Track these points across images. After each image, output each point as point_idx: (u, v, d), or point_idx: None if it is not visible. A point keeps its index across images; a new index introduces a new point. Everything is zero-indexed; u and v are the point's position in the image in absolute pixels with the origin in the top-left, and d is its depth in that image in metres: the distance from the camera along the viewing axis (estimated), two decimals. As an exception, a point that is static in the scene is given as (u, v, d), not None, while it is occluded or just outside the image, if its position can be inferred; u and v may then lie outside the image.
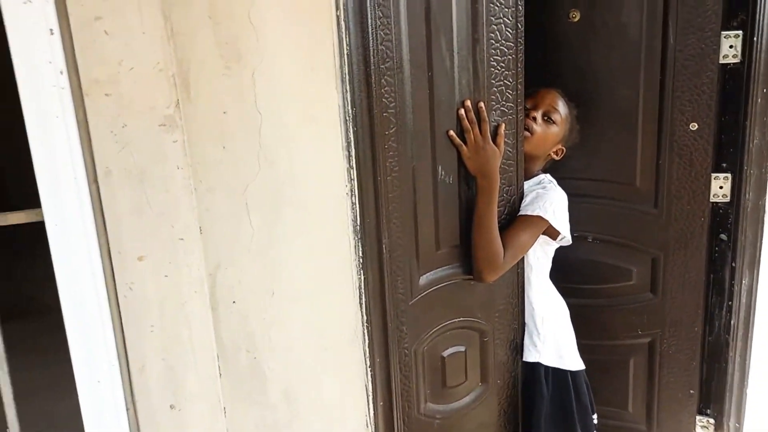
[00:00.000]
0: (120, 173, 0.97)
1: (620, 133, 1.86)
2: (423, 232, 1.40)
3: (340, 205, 1.21)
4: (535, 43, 1.70)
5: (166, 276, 1.03)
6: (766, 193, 1.87)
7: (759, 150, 1.82)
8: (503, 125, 1.41)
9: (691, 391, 2.08)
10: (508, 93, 1.41)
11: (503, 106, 1.42)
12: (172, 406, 1.10)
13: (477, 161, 1.38)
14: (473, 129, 1.36)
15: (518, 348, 1.62)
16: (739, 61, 1.77)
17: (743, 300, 1.95)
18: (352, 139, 1.19)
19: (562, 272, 1.79)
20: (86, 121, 0.94)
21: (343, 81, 1.16)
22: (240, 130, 1.07)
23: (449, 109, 1.36)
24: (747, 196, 1.86)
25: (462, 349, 1.53)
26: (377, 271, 1.30)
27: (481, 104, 1.36)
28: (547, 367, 1.62)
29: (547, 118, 1.58)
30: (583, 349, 1.77)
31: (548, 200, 1.50)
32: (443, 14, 1.29)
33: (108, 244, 0.99)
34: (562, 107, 1.59)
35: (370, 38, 1.18)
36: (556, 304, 1.68)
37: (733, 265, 1.93)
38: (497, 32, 1.37)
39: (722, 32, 1.75)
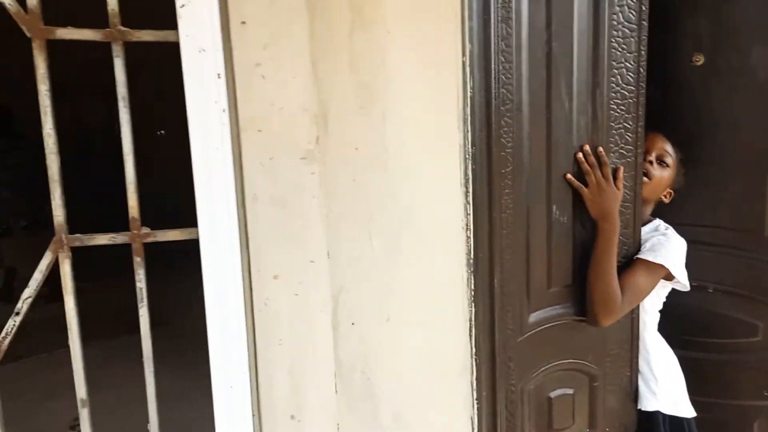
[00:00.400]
0: (265, 200, 1.09)
1: (745, 178, 1.77)
2: (535, 270, 1.41)
3: (456, 238, 1.27)
4: (655, 86, 1.70)
5: (296, 294, 1.13)
6: None
7: None
8: (622, 168, 1.41)
9: None
10: (628, 136, 1.42)
11: (622, 148, 1.42)
12: (292, 417, 1.18)
13: (599, 203, 1.40)
14: (594, 172, 1.38)
15: (630, 396, 1.57)
16: None
17: None
18: (470, 176, 1.25)
19: (679, 323, 1.72)
20: (240, 153, 1.07)
21: (465, 121, 1.23)
22: (369, 164, 1.16)
23: (566, 150, 1.39)
24: None
25: (570, 391, 1.51)
26: (488, 305, 1.33)
27: (600, 148, 1.38)
28: (665, 416, 1.56)
29: (661, 162, 1.58)
30: (699, 407, 1.68)
31: (670, 248, 1.49)
32: (564, 59, 1.34)
33: (249, 263, 1.11)
34: (671, 150, 1.59)
35: (493, 82, 1.24)
36: (667, 349, 1.64)
37: None
38: (618, 76, 1.39)
39: None
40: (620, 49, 1.37)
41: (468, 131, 1.23)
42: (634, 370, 1.56)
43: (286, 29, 1.09)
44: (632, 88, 1.40)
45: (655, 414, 1.56)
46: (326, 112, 1.12)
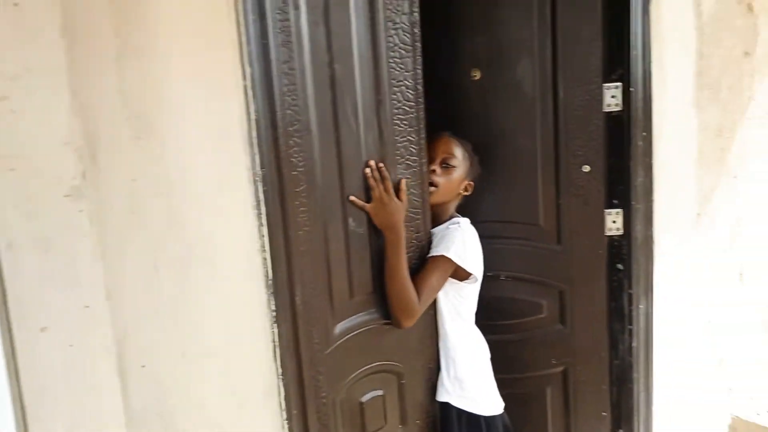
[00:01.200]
0: (23, 245, 0.98)
1: (523, 178, 2.01)
2: (336, 282, 1.45)
3: (251, 261, 1.26)
4: (442, 98, 1.84)
5: (71, 345, 1.03)
6: (652, 225, 2.06)
7: (644, 187, 2.01)
8: (404, 181, 1.50)
9: (604, 413, 2.21)
10: (412, 148, 1.51)
11: (407, 159, 1.51)
12: (83, 477, 1.09)
13: (382, 216, 1.46)
14: (378, 186, 1.45)
15: (434, 388, 1.68)
16: (620, 109, 1.97)
17: (642, 324, 2.12)
18: (262, 197, 1.25)
19: (480, 311, 1.89)
20: (-11, 196, 0.95)
21: (251, 144, 1.22)
22: (149, 195, 1.10)
23: (357, 165, 1.44)
24: (637, 228, 2.04)
25: (380, 393, 1.58)
26: (290, 323, 1.34)
27: (381, 164, 1.45)
28: (459, 410, 1.65)
29: (446, 165, 1.66)
30: (503, 384, 1.85)
31: (451, 240, 1.58)
32: (347, 80, 1.39)
33: (8, 317, 0.99)
34: (456, 149, 1.67)
35: (277, 104, 1.25)
36: (473, 347, 1.72)
37: (630, 292, 2.09)
38: (399, 94, 1.47)
39: (604, 84, 1.94)
40: (398, 69, 1.46)
41: (256, 154, 1.23)
42: (436, 363, 1.67)
43: (37, 58, 0.98)
44: (412, 104, 1.50)
45: (446, 405, 1.66)
46: (94, 144, 1.04)
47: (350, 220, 1.45)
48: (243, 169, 1.21)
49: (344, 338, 1.49)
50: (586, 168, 2.02)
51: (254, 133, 1.22)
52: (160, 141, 1.11)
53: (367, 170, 1.44)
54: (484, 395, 1.70)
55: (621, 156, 1.99)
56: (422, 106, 1.51)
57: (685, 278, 2.19)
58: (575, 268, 2.08)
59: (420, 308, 1.53)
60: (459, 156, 1.68)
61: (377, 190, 1.45)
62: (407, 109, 1.48)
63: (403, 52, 1.45)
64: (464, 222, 1.68)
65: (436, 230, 1.66)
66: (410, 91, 1.48)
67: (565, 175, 2.01)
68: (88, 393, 1.06)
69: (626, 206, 2.03)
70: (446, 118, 1.84)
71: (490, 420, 1.68)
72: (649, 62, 1.91)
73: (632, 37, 1.87)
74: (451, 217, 1.71)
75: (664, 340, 2.17)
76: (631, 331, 2.13)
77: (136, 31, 1.06)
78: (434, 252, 1.57)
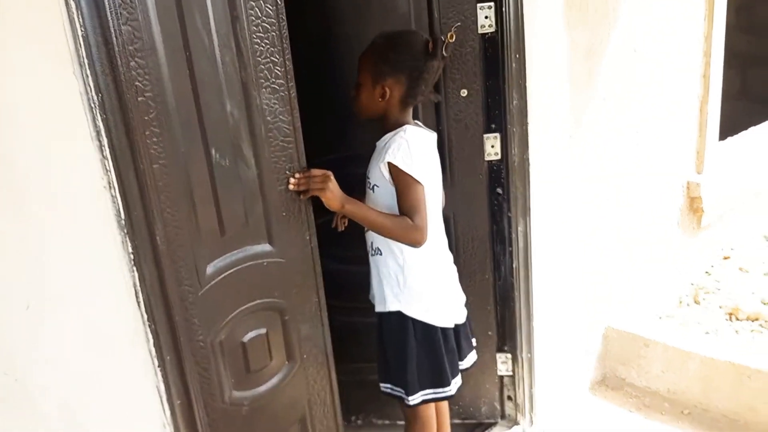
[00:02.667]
0: None
1: None
2: (204, 219, 1.35)
3: (98, 199, 1.12)
4: (320, 17, 1.73)
5: None
6: (528, 148, 2.10)
7: (519, 110, 2.03)
8: (311, 171, 1.50)
9: (489, 333, 2.30)
10: (277, 70, 1.40)
11: (273, 83, 1.41)
12: None
13: (331, 201, 1.51)
14: (311, 187, 1.47)
15: (319, 320, 1.64)
16: (494, 30, 1.95)
17: (521, 245, 2.19)
18: (102, 127, 1.11)
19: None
20: None
21: (81, 65, 1.06)
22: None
23: (215, 88, 1.32)
24: (513, 152, 2.07)
25: (263, 331, 1.52)
26: (153, 264, 1.23)
27: (298, 174, 1.47)
28: (413, 319, 1.66)
29: (356, 84, 1.64)
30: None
31: (396, 146, 1.55)
32: (194, -9, 1.24)
33: None
34: (362, 63, 1.63)
35: (110, 18, 1.09)
36: (428, 255, 1.68)
37: (509, 215, 2.15)
38: (257, 8, 1.34)
39: (478, 4, 1.91)
40: (254, -19, 1.33)
41: (88, 76, 1.07)
42: (321, 296, 1.63)
43: None
44: (273, 21, 1.37)
45: (398, 315, 1.67)
46: None
47: (213, 151, 1.34)
48: (74, 95, 1.06)
49: (218, 278, 1.40)
50: (464, 92, 2.01)
51: (83, 52, 1.06)
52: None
53: (293, 181, 1.46)
54: (439, 305, 1.70)
55: (497, 79, 2.00)
56: (284, 23, 1.39)
57: (558, 199, 2.29)
58: (458, 195, 2.09)
59: (416, 222, 1.54)
60: (363, 68, 1.63)
61: (312, 189, 1.47)
62: (267, 26, 1.36)
63: (258, -38, 1.32)
64: (410, 129, 1.62)
65: (381, 140, 1.66)
66: (269, 6, 1.36)
67: (444, 101, 1.99)
68: None
69: (503, 130, 2.06)
70: (326, 36, 1.73)
71: (444, 331, 1.71)
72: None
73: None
74: (400, 126, 1.64)
75: (542, 260, 2.26)
76: (511, 252, 2.20)
77: None
78: (389, 158, 1.55)
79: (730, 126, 3.24)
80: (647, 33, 2.47)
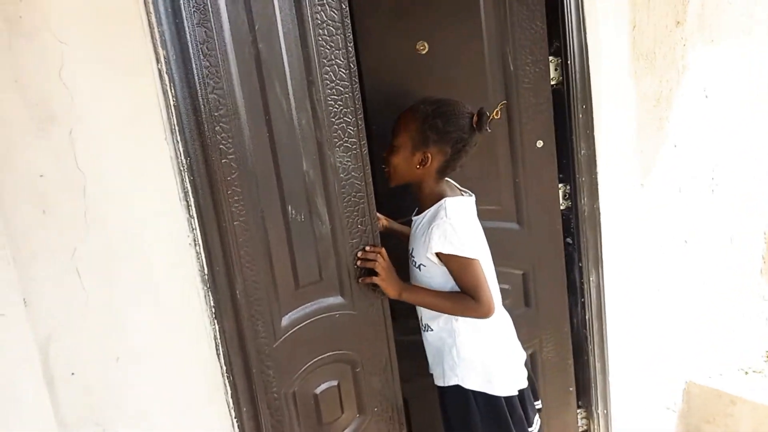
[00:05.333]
0: None
1: (482, 158, 1.90)
2: (280, 273, 1.40)
3: (184, 256, 1.19)
4: (390, 74, 1.78)
5: (-13, 357, 0.95)
6: (598, 198, 2.07)
7: (587, 160, 2.02)
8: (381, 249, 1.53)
9: (570, 389, 2.22)
10: (350, 129, 1.46)
11: (346, 141, 1.46)
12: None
13: (393, 284, 1.52)
14: (379, 260, 1.49)
15: (390, 373, 1.64)
16: (559, 81, 1.97)
17: (593, 296, 2.13)
18: (189, 188, 1.18)
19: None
20: None
21: (173, 132, 1.15)
22: (61, 191, 1.02)
23: (292, 149, 1.38)
24: (583, 201, 2.05)
25: (335, 383, 1.53)
26: (233, 318, 1.28)
27: (368, 247, 1.51)
28: (474, 392, 1.58)
29: (392, 146, 1.58)
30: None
31: (443, 233, 1.49)
32: (274, 60, 1.32)
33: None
34: (401, 125, 1.55)
35: (198, 88, 1.18)
36: (484, 324, 1.59)
37: (580, 265, 2.11)
38: (331, 73, 1.42)
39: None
40: (328, 47, 1.40)
41: (178, 141, 1.16)
42: (391, 348, 1.63)
43: None
44: (346, 83, 1.44)
45: (456, 388, 1.59)
46: (-7, 139, 0.95)
47: (289, 208, 1.39)
48: (165, 159, 1.14)
49: (292, 330, 1.44)
50: (540, 143, 1.99)
51: (174, 120, 1.14)
52: (67, 131, 1.02)
53: (361, 253, 1.50)
54: (499, 374, 1.60)
55: (564, 130, 2.00)
56: (356, 85, 1.46)
57: (632, 248, 2.22)
58: (537, 248, 2.05)
59: (481, 300, 1.51)
60: (403, 130, 1.55)
61: (380, 264, 1.50)
62: (341, 89, 1.43)
63: (331, 29, 1.39)
64: (450, 203, 1.54)
65: (421, 216, 1.60)
66: (343, 70, 1.43)
67: (520, 152, 1.96)
68: (10, 405, 0.97)
69: (571, 180, 2.04)
70: (396, 93, 1.77)
71: (509, 400, 1.61)
72: (584, 33, 1.91)
73: (566, 9, 1.86)
74: (438, 198, 1.57)
75: (616, 311, 2.19)
76: (583, 303, 2.14)
77: (26, 12, 0.97)
78: (436, 249, 1.50)
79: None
80: (717, 76, 2.41)
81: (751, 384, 2.40)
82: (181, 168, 1.16)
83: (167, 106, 1.13)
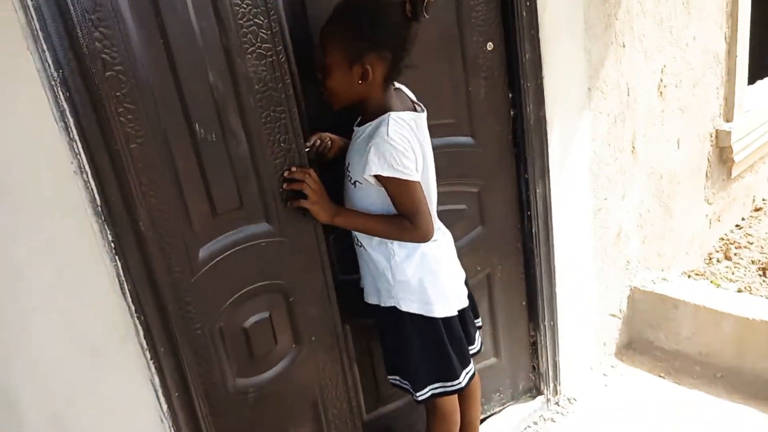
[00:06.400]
0: None
1: (433, 66, 1.70)
2: (192, 201, 1.26)
3: (68, 187, 1.03)
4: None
5: None
6: (544, 105, 1.96)
7: (531, 63, 1.88)
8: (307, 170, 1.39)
9: (523, 302, 2.18)
10: (262, 33, 1.28)
11: (259, 48, 1.28)
12: None
13: (326, 209, 1.41)
14: (305, 179, 1.36)
15: (327, 299, 1.55)
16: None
17: (540, 208, 2.06)
18: (66, 106, 1.00)
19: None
20: None
21: (36, 39, 0.96)
22: None
23: (194, 59, 1.20)
24: (528, 109, 1.93)
25: (266, 314, 1.43)
26: (138, 253, 1.14)
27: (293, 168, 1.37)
28: (411, 314, 1.50)
29: (323, 67, 1.37)
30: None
31: (381, 153, 1.34)
32: (161, -52, 1.12)
33: None
34: (328, 43, 1.35)
35: (64, -17, 0.97)
36: (421, 246, 1.49)
37: (527, 176, 2.02)
38: (235, -34, 1.21)
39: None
40: (229, -68, 1.19)
41: (44, 50, 0.97)
42: (327, 275, 1.53)
43: None
44: (254, -22, 1.24)
45: (392, 310, 1.51)
46: None
47: (197, 126, 1.23)
48: (31, 72, 0.96)
49: (213, 262, 1.32)
50: (490, 45, 1.83)
51: (36, 24, 0.95)
52: None
53: (287, 173, 1.36)
54: (437, 295, 1.50)
55: (509, 30, 1.84)
56: (267, -20, 1.26)
57: (579, 156, 2.14)
58: (490, 163, 1.93)
59: (419, 223, 1.40)
60: (331, 47, 1.35)
61: (308, 187, 1.36)
62: (248, -16, 1.24)
63: None
64: (393, 118, 1.36)
65: (361, 128, 1.43)
66: (249, -38, 1.23)
67: (472, 56, 1.78)
68: None
69: (516, 86, 1.91)
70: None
71: (448, 320, 1.54)
72: None
73: None
74: (383, 110, 1.39)
75: (563, 222, 2.14)
76: (530, 216, 2.08)
77: None
78: (374, 171, 1.35)
79: (757, 69, 3.03)
80: (670, -29, 2.27)
81: (693, 287, 2.44)
82: (53, 82, 0.98)
83: (24, 7, 0.93)
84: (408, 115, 1.41)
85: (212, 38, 1.22)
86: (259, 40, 1.28)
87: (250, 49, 1.27)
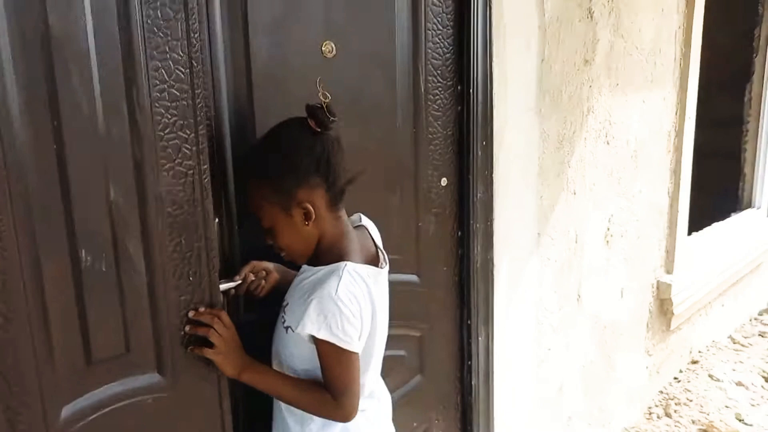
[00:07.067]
0: None
1: (384, 199, 1.57)
2: (61, 344, 0.98)
3: None
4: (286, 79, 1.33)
5: None
6: (492, 247, 1.83)
7: (483, 204, 1.77)
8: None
9: None
10: (186, 149, 1.08)
11: (179, 165, 1.08)
12: None
13: (233, 358, 1.16)
14: (214, 324, 1.13)
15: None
16: (458, 113, 1.70)
17: (481, 359, 1.88)
18: None
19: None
20: None
21: None
22: None
23: (93, 169, 0.98)
24: (476, 250, 1.79)
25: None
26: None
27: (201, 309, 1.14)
28: None
29: (265, 229, 1.19)
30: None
31: (325, 312, 1.10)
32: (73, 40, 0.93)
33: None
34: (255, 200, 1.19)
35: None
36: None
37: (469, 322, 1.85)
38: (163, 70, 1.03)
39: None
40: (161, 34, 1.02)
41: None
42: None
43: None
44: (185, 86, 1.06)
45: None
46: None
47: (83, 253, 0.98)
48: None
49: (78, 425, 1.02)
50: (444, 181, 1.70)
51: None
52: None
53: (192, 313, 1.13)
54: None
55: (461, 168, 1.74)
56: (199, 90, 1.07)
57: (524, 304, 2.00)
58: (434, 305, 1.76)
59: (341, 404, 1.15)
60: (259, 204, 1.19)
61: (215, 336, 1.13)
62: (176, 93, 1.05)
63: (169, 11, 1.02)
64: (348, 271, 1.14)
65: (315, 271, 1.18)
66: (180, 68, 1.05)
67: (424, 190, 1.65)
68: None
69: (465, 226, 1.78)
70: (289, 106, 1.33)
71: None
72: (490, 60, 1.67)
73: (472, 28, 1.61)
74: (338, 256, 1.18)
75: (504, 372, 1.95)
76: (470, 367, 1.88)
77: None
78: (309, 330, 1.11)
79: (692, 220, 3.08)
80: (621, 124, 2.29)
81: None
82: None
83: None
84: (366, 270, 1.18)
85: (121, 148, 1.01)
86: (180, 155, 1.08)
87: (167, 165, 1.06)
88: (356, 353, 1.15)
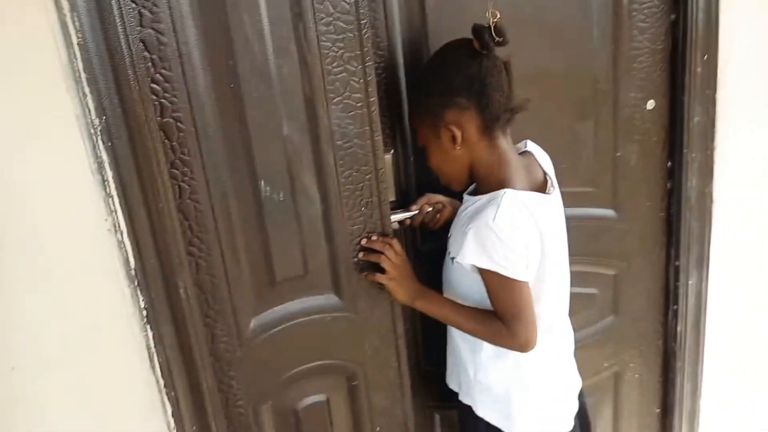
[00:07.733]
0: None
1: (575, 124, 1.45)
2: (249, 265, 1.10)
3: (100, 246, 0.91)
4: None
5: None
6: (712, 180, 1.57)
7: (701, 129, 1.51)
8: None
9: (657, 410, 1.82)
10: (353, 81, 1.09)
11: (348, 98, 1.10)
12: None
13: (406, 287, 1.19)
14: (386, 251, 1.16)
15: (401, 389, 1.32)
16: (672, 21, 1.44)
17: (691, 304, 1.67)
18: (105, 158, 0.89)
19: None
20: None
21: (77, 81, 0.85)
22: None
23: (268, 107, 1.05)
24: (690, 183, 1.55)
25: (323, 398, 1.25)
26: (171, 322, 1.01)
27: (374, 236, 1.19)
28: (487, 422, 1.24)
29: (423, 145, 1.20)
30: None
31: (483, 243, 1.06)
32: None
33: None
34: (415, 118, 1.21)
35: (118, 19, 0.86)
36: (519, 363, 1.20)
37: (677, 264, 1.64)
38: (328, 3, 1.04)
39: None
40: (324, -35, 1.02)
41: (86, 94, 0.86)
42: (402, 361, 1.30)
43: None
44: (350, 17, 1.06)
45: (468, 409, 1.26)
46: None
47: (262, 184, 1.07)
48: (69, 118, 0.85)
49: (266, 334, 1.15)
50: (651, 103, 1.49)
51: (80, 65, 0.84)
52: None
53: (365, 241, 1.17)
54: (524, 412, 1.22)
55: (674, 88, 1.49)
56: (365, 20, 1.07)
57: (751, 248, 1.69)
58: (634, 242, 1.61)
59: (515, 330, 1.11)
60: (416, 119, 1.20)
61: (388, 262, 1.16)
62: (342, 24, 1.06)
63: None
64: (508, 199, 1.07)
65: (469, 201, 1.17)
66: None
67: (626, 115, 1.47)
68: None
69: (678, 154, 1.54)
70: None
71: None
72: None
73: None
74: (497, 184, 1.11)
75: (718, 324, 1.71)
76: (676, 311, 1.68)
77: None
78: (469, 259, 1.09)
79: None
80: None
81: None
82: (92, 130, 0.87)
83: (68, 44, 0.83)
84: (530, 196, 1.11)
85: (292, 85, 1.06)
86: (348, 89, 1.09)
87: (335, 99, 1.09)
88: (523, 281, 1.09)
